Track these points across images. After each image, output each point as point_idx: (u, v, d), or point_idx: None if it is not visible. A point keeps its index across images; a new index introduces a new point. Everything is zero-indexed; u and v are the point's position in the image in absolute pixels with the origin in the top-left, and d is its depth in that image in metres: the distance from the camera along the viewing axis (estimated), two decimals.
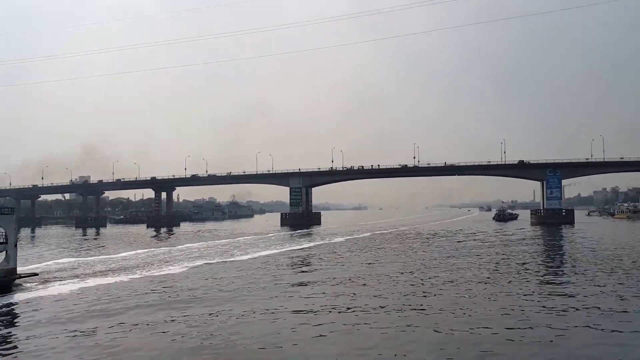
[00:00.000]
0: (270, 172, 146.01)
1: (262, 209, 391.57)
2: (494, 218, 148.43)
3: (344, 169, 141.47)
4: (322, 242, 70.48)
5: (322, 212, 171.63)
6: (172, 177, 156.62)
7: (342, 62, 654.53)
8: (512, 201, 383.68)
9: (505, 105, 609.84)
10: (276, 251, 57.21)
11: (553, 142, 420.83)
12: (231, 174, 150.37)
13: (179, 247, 66.80)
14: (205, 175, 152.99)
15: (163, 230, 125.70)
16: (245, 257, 50.88)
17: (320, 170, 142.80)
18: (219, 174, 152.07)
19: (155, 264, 44.92)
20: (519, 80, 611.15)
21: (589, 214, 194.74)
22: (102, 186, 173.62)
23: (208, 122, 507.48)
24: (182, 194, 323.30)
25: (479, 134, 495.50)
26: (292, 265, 44.15)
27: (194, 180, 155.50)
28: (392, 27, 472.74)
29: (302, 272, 39.93)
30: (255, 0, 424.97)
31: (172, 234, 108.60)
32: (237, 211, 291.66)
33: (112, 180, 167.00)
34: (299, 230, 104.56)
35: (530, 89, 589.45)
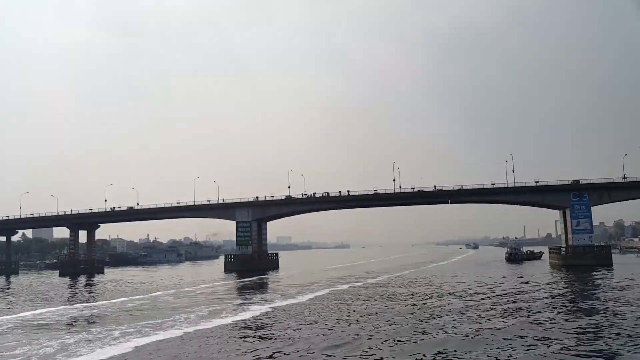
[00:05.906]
0: (210, 202, 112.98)
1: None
2: (506, 259, 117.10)
3: (304, 196, 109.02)
4: (265, 308, 38.09)
5: (282, 253, 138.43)
6: (89, 212, 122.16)
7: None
8: (503, 237, 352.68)
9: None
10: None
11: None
12: (160, 206, 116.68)
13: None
14: (127, 208, 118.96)
15: (81, 278, 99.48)
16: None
17: (274, 199, 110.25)
18: (147, 207, 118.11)
19: None
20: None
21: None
22: (9, 223, 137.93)
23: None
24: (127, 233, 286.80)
25: (465, 156, 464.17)
26: None
27: (113, 216, 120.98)
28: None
29: None
30: None
31: (90, 284, 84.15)
32: (197, 252, 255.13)
33: (20, 216, 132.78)
34: (246, 279, 74.48)
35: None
